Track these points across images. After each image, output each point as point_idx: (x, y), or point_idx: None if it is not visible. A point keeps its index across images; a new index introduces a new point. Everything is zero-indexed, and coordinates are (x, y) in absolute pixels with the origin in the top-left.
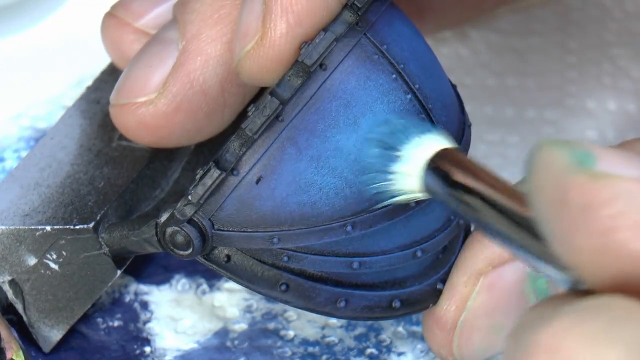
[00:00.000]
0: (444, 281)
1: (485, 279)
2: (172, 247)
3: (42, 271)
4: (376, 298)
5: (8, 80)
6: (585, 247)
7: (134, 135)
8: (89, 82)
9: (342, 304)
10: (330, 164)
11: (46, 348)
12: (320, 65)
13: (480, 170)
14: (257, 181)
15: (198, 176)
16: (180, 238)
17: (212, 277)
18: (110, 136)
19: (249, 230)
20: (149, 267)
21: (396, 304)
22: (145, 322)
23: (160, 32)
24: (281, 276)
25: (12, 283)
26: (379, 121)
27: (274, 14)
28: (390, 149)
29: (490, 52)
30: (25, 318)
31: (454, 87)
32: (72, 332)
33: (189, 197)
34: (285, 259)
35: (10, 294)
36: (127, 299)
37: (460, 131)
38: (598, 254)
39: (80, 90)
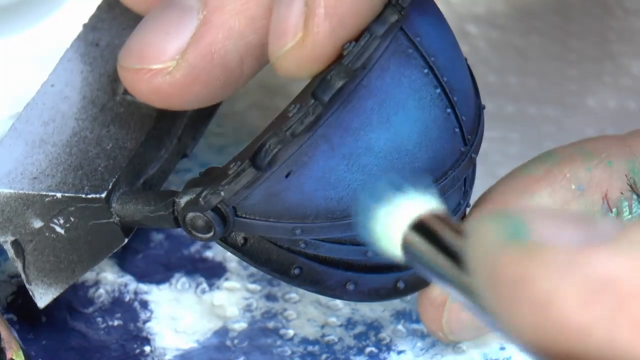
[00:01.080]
0: None
1: None
2: (191, 230)
3: (47, 234)
4: (382, 280)
5: (8, 80)
6: (525, 324)
7: (146, 99)
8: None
9: (351, 287)
10: (361, 161)
11: (41, 303)
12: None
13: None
14: (287, 175)
15: (231, 172)
16: (201, 222)
17: (211, 277)
18: (114, 88)
19: (272, 220)
20: (148, 266)
21: (400, 285)
22: (145, 322)
23: None
24: (296, 260)
25: (15, 243)
26: (410, 119)
27: (317, 16)
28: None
29: (490, 49)
30: (23, 276)
31: (471, 72)
32: (72, 332)
33: (222, 193)
34: (303, 245)
35: (11, 253)
36: (127, 298)
37: (477, 117)
38: (539, 331)
39: None
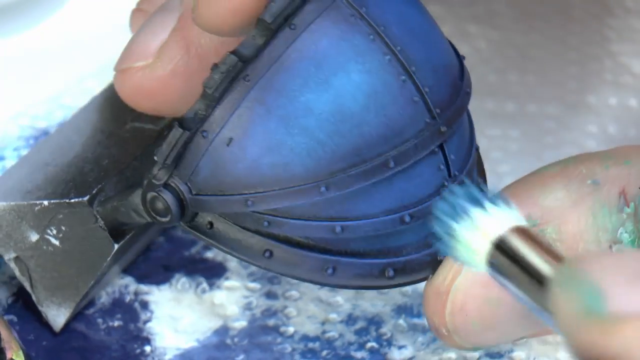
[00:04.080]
0: None
1: None
2: (154, 215)
3: (45, 247)
4: (367, 266)
5: (8, 80)
6: None
7: (133, 100)
8: (89, 82)
9: (330, 271)
10: (301, 123)
11: (56, 327)
12: (290, 25)
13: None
14: (228, 143)
15: (164, 136)
16: (159, 204)
17: (212, 276)
18: (124, 119)
19: (224, 193)
20: (149, 268)
21: (389, 272)
22: (145, 322)
23: (166, 1)
24: (265, 243)
25: (18, 260)
26: (352, 82)
27: None
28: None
29: (491, 48)
30: (34, 297)
31: (459, 56)
32: (72, 333)
33: (155, 157)
34: (266, 224)
35: (17, 271)
36: (127, 299)
37: (454, 97)
38: None
39: (80, 89)
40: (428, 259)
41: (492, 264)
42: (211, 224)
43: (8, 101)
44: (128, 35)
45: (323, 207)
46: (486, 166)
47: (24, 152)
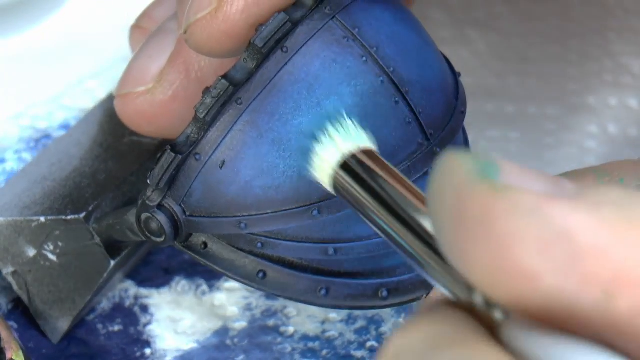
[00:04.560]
0: None
1: None
2: (148, 234)
3: (42, 262)
4: (360, 287)
5: (8, 80)
6: (481, 263)
7: (135, 125)
8: (89, 82)
9: (323, 292)
10: (293, 147)
11: (54, 339)
12: (282, 48)
13: (391, 172)
14: (221, 165)
15: (157, 159)
16: (153, 225)
17: (211, 278)
18: (123, 132)
19: (217, 215)
20: (149, 271)
21: (383, 293)
22: (145, 325)
23: (163, 23)
24: (258, 264)
25: (16, 275)
26: (345, 105)
27: None
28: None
29: (490, 51)
30: (31, 310)
31: (454, 74)
32: (72, 340)
33: (148, 180)
34: (260, 245)
35: (14, 285)
36: (127, 303)
37: (447, 117)
38: (493, 271)
39: (80, 90)
40: (421, 278)
41: (337, 187)
42: (205, 244)
43: (8, 101)
44: (128, 36)
45: (316, 229)
46: None
47: (25, 154)
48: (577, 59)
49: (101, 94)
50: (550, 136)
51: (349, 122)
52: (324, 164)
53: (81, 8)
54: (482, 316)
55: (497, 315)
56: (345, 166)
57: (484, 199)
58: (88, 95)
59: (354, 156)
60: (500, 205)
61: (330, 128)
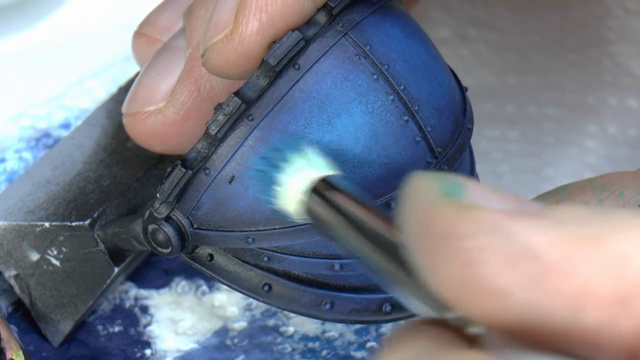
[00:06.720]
0: None
1: None
2: (154, 245)
3: (45, 267)
4: (364, 301)
5: (8, 80)
6: (449, 280)
7: (146, 144)
8: (89, 82)
9: (328, 306)
10: None
11: (54, 343)
12: (294, 65)
13: (358, 200)
14: (231, 180)
15: (167, 174)
16: (160, 236)
17: (211, 278)
18: (126, 136)
19: (225, 229)
20: (149, 273)
21: (387, 308)
22: (145, 326)
23: (170, 40)
24: (264, 277)
25: (18, 278)
26: (355, 123)
27: (247, 10)
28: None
29: (490, 51)
30: (33, 313)
31: (462, 89)
32: (72, 342)
33: (157, 194)
34: (266, 259)
35: (17, 288)
36: (128, 304)
37: (455, 134)
38: (459, 288)
39: (80, 90)
40: None
41: (310, 213)
42: (211, 256)
43: (8, 101)
44: (128, 36)
45: (323, 245)
46: (486, 167)
47: (25, 154)
48: (577, 59)
49: (101, 94)
50: (550, 136)
51: (311, 150)
52: (291, 192)
53: (81, 8)
54: (461, 332)
55: (473, 330)
56: (315, 190)
57: (449, 218)
58: (88, 95)
59: (323, 180)
60: (465, 223)
61: (294, 156)
